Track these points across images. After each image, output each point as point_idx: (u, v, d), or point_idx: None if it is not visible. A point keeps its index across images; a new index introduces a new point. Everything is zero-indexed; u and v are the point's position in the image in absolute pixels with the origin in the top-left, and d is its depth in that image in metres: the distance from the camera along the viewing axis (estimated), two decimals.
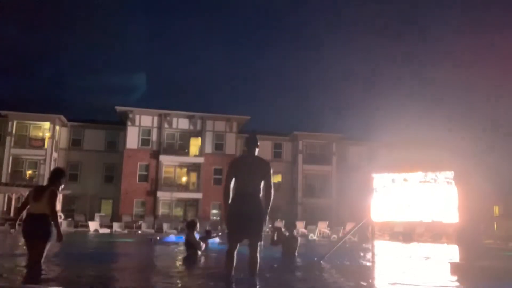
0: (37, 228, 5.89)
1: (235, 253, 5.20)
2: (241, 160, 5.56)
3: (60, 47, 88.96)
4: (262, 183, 5.26)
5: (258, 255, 5.18)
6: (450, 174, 7.77)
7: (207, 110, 36.30)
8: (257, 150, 5.50)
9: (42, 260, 5.97)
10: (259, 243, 5.22)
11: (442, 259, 10.03)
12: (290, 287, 5.86)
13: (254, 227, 5.16)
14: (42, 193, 5.99)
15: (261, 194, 5.25)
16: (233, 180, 5.29)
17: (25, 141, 33.15)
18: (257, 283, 5.19)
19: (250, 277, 5.16)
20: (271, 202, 5.25)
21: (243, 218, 5.15)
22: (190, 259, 8.71)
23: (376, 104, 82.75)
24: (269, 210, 5.26)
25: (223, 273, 5.35)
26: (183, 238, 16.14)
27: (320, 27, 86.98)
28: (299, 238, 10.53)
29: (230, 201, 5.24)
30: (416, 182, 8.16)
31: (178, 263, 8.36)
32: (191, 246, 9.32)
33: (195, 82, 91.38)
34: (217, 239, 12.62)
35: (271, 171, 5.34)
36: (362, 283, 6.28)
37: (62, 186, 6.31)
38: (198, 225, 9.83)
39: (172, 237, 16.71)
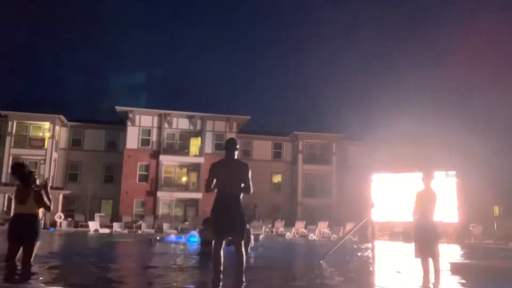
0: (26, 229, 5.91)
1: (221, 250, 5.49)
2: (221, 163, 5.75)
3: (60, 47, 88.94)
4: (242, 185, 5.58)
5: (243, 252, 5.49)
6: (451, 174, 7.76)
7: (207, 110, 36.33)
8: (236, 153, 5.76)
9: (32, 259, 5.98)
10: (242, 241, 5.52)
11: (442, 259, 10.01)
12: (289, 286, 5.86)
13: (236, 227, 5.48)
14: (27, 195, 6.01)
15: (241, 196, 5.58)
16: (214, 182, 5.61)
17: (25, 141, 33.14)
18: (256, 282, 5.18)
19: (238, 274, 5.41)
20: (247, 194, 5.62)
21: (225, 219, 5.47)
22: (205, 256, 9.05)
23: (376, 103, 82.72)
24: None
25: (212, 270, 5.57)
26: (182, 238, 16.23)
27: (320, 26, 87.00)
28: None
29: (213, 202, 5.57)
30: (417, 182, 8.16)
31: (179, 262, 8.36)
32: (207, 243, 9.71)
33: (195, 82, 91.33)
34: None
35: (250, 173, 5.62)
36: (361, 283, 6.28)
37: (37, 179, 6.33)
38: None
39: (172, 237, 16.72)
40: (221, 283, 5.30)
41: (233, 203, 5.51)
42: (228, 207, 5.49)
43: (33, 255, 6.02)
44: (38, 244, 6.06)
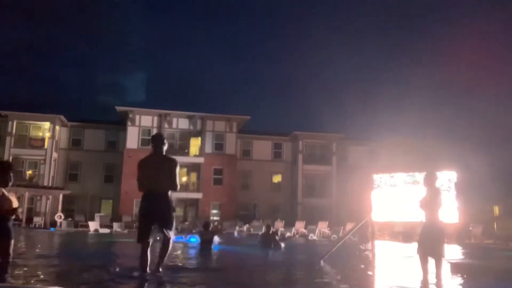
0: None
1: (148, 250, 5.54)
2: (149, 160, 5.70)
3: (60, 47, 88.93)
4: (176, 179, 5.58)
5: (171, 241, 5.57)
6: (451, 174, 7.75)
7: (207, 110, 36.33)
8: (164, 148, 5.71)
9: (10, 259, 5.82)
10: (170, 239, 5.59)
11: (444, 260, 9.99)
12: (290, 286, 5.86)
13: (163, 222, 5.52)
14: None
15: (170, 192, 5.57)
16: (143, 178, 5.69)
17: (25, 141, 33.13)
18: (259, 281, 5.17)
19: (158, 262, 5.56)
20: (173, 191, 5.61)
21: (152, 216, 5.52)
22: (205, 252, 10.78)
23: (376, 104, 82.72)
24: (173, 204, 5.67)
25: (139, 269, 5.62)
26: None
27: (320, 26, 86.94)
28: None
29: (141, 200, 5.63)
30: (417, 182, 8.15)
31: (178, 262, 8.36)
32: (205, 242, 11.73)
33: (195, 82, 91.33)
34: (216, 239, 13.11)
35: (177, 169, 5.57)
36: (361, 283, 6.28)
37: (11, 180, 6.05)
38: (211, 225, 12.86)
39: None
40: (146, 282, 5.31)
41: (161, 201, 5.50)
42: (156, 206, 5.48)
43: (10, 255, 5.84)
44: (11, 242, 5.87)
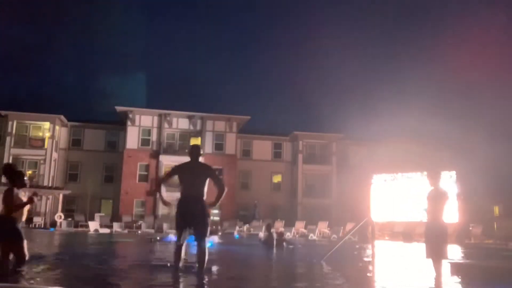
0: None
1: (183, 249, 5.87)
2: (186, 165, 6.04)
3: (60, 47, 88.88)
4: (206, 187, 5.89)
5: (206, 250, 5.83)
6: (452, 174, 7.76)
7: (207, 110, 36.32)
8: (200, 158, 6.13)
9: (26, 259, 5.77)
10: (205, 240, 5.87)
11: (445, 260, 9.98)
12: (290, 287, 5.86)
13: (199, 225, 5.81)
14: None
15: (205, 197, 5.86)
16: (169, 179, 6.20)
17: (25, 141, 33.13)
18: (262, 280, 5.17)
19: (199, 269, 5.75)
20: (222, 195, 5.90)
21: (188, 218, 5.81)
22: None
23: (376, 103, 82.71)
24: (219, 201, 5.97)
25: (173, 266, 5.97)
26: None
27: (320, 26, 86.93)
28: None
29: (177, 203, 5.93)
30: (417, 182, 8.15)
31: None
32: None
33: (195, 82, 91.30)
34: (215, 238, 13.31)
35: (216, 172, 5.99)
36: (361, 283, 6.28)
37: (27, 181, 6.06)
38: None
39: (171, 237, 16.73)
40: (180, 279, 5.58)
41: (196, 204, 5.78)
42: (192, 208, 5.77)
43: (25, 255, 5.82)
44: (24, 243, 5.84)
